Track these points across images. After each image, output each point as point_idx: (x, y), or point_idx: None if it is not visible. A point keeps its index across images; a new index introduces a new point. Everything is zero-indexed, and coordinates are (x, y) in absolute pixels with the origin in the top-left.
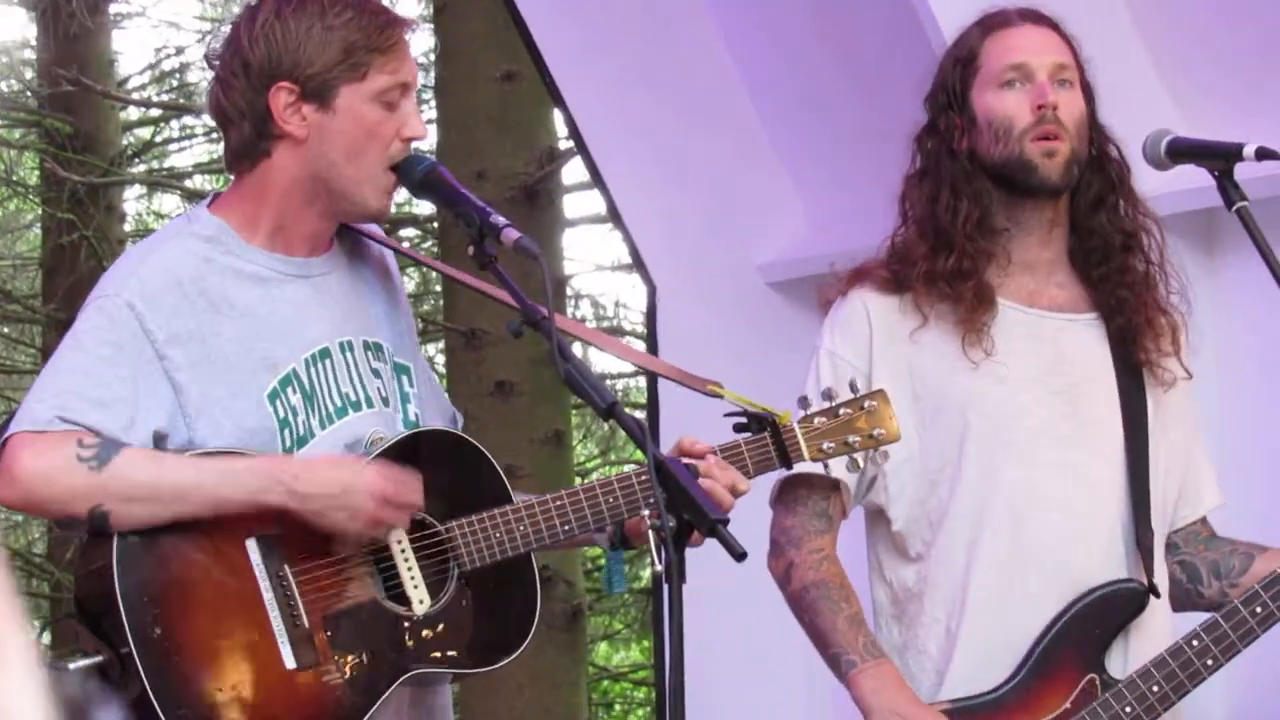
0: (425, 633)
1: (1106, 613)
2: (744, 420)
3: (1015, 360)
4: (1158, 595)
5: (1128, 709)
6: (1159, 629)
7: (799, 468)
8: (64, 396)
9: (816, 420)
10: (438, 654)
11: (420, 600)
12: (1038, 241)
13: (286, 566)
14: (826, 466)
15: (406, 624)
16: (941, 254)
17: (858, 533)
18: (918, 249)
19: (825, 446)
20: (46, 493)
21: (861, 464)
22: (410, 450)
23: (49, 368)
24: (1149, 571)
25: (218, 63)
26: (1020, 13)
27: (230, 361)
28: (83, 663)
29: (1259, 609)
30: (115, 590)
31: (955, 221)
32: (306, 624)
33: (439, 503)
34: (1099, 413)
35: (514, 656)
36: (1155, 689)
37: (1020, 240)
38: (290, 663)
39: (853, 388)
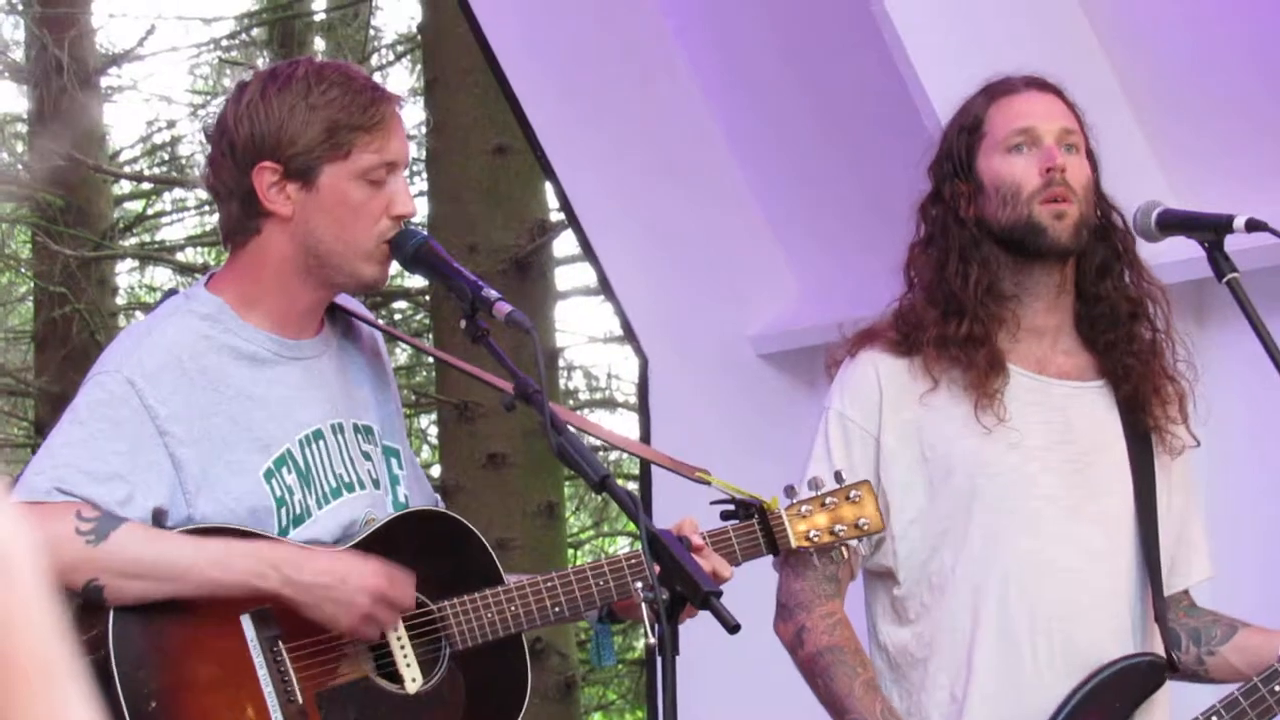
0: (418, 710)
1: (1124, 688)
2: (731, 508)
3: (1025, 427)
4: (1176, 670)
5: None
6: (1164, 702)
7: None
8: (62, 469)
9: (803, 508)
10: None
11: (413, 679)
12: (1045, 307)
13: (280, 642)
14: (812, 566)
15: (399, 702)
16: (953, 320)
17: (856, 596)
18: (927, 314)
19: (811, 534)
20: (44, 563)
21: (847, 555)
22: (402, 530)
23: (48, 442)
24: (1168, 643)
25: (210, 140)
26: (1025, 80)
27: (228, 440)
28: None
29: (1278, 688)
30: (111, 663)
31: (966, 287)
32: (300, 700)
33: (431, 582)
34: (1108, 483)
35: None
36: None
37: (1028, 306)
38: None
39: (838, 478)
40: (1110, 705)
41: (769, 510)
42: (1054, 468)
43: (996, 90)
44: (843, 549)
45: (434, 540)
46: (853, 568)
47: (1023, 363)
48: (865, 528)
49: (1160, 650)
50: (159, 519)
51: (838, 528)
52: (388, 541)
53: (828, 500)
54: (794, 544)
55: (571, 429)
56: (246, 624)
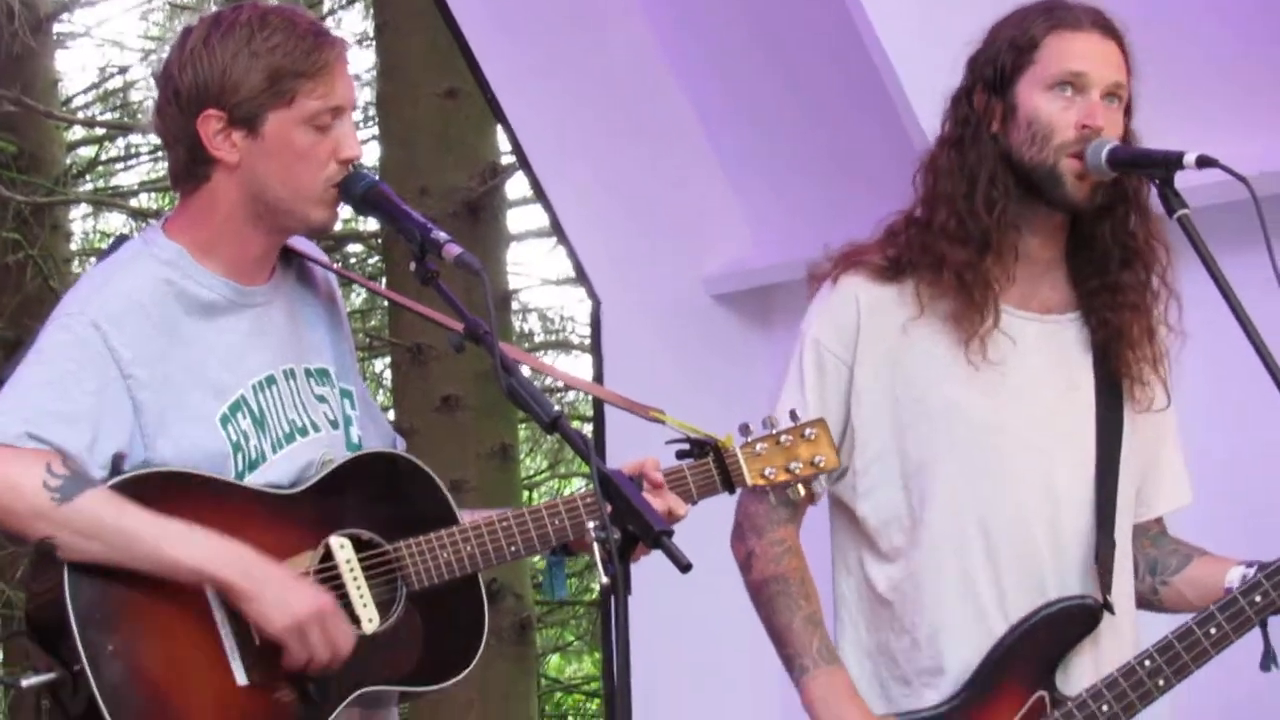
0: (375, 651)
1: (1058, 629)
2: (686, 447)
3: (1002, 367)
4: (1112, 611)
5: None
6: (1120, 646)
7: None
8: (30, 410)
9: (758, 446)
10: (387, 672)
11: (370, 619)
12: (1041, 242)
13: None
14: (769, 493)
15: (356, 642)
16: (970, 244)
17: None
18: (943, 229)
19: (767, 472)
20: (8, 504)
21: (803, 492)
22: (356, 471)
23: (12, 382)
24: (1105, 587)
25: (157, 86)
26: (1092, 17)
27: (184, 386)
28: (35, 680)
29: (1213, 630)
30: (68, 608)
31: (993, 213)
32: (257, 641)
33: (386, 523)
34: (1074, 425)
35: (463, 675)
36: (1105, 709)
37: (1026, 238)
38: (242, 679)
39: (793, 416)
40: (1040, 649)
41: (724, 448)
42: (1026, 410)
43: (1059, 19)
44: (798, 488)
45: (389, 481)
46: (813, 493)
47: (1008, 296)
48: (821, 465)
49: (1123, 594)
50: (118, 463)
51: (793, 465)
52: (343, 483)
53: (783, 438)
54: (750, 482)
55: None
56: None
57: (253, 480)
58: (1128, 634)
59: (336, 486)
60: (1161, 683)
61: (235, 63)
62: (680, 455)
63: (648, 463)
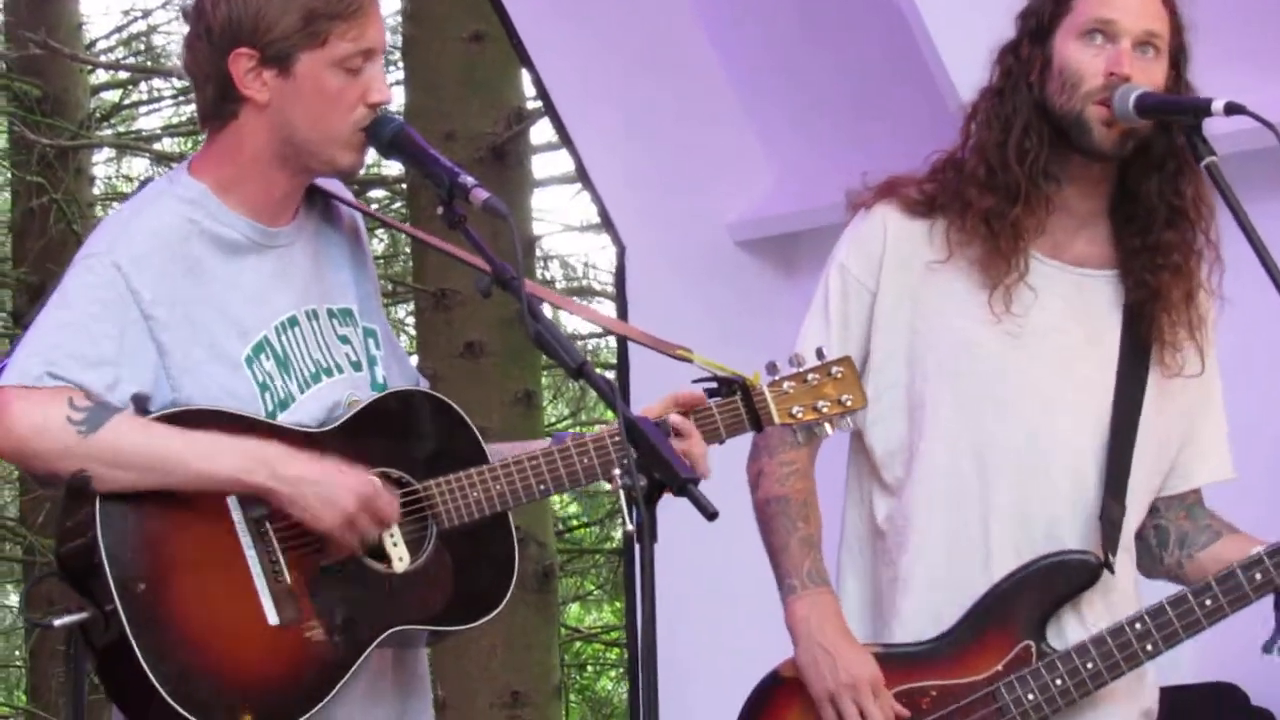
0: (406, 590)
1: (1052, 581)
2: (714, 385)
3: (1022, 312)
4: (1112, 571)
5: (1058, 681)
6: (1116, 605)
7: None
8: (52, 352)
9: (786, 385)
10: (418, 611)
11: (400, 558)
12: (1079, 192)
13: (268, 523)
14: (796, 433)
15: (387, 581)
16: (999, 193)
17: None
18: (973, 174)
19: (795, 411)
20: (35, 446)
21: (830, 430)
22: (385, 410)
23: (36, 324)
24: (1109, 545)
25: (189, 22)
26: None
27: (209, 326)
28: (67, 619)
29: (1208, 602)
30: (99, 547)
31: (1024, 163)
32: (288, 580)
33: (415, 461)
34: (1093, 377)
35: (494, 614)
36: (1089, 665)
37: (1064, 188)
38: (273, 619)
39: (819, 354)
40: (1033, 599)
41: (752, 387)
42: (1041, 356)
43: None
44: (825, 425)
45: (418, 420)
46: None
47: (1038, 245)
48: (848, 404)
49: (1126, 557)
50: (140, 404)
51: (820, 404)
52: (371, 422)
53: (810, 377)
54: (777, 420)
55: (549, 308)
56: (233, 505)
57: (283, 420)
58: (1124, 598)
59: (367, 425)
60: (1149, 647)
61: (270, 2)
62: (708, 394)
63: (680, 398)
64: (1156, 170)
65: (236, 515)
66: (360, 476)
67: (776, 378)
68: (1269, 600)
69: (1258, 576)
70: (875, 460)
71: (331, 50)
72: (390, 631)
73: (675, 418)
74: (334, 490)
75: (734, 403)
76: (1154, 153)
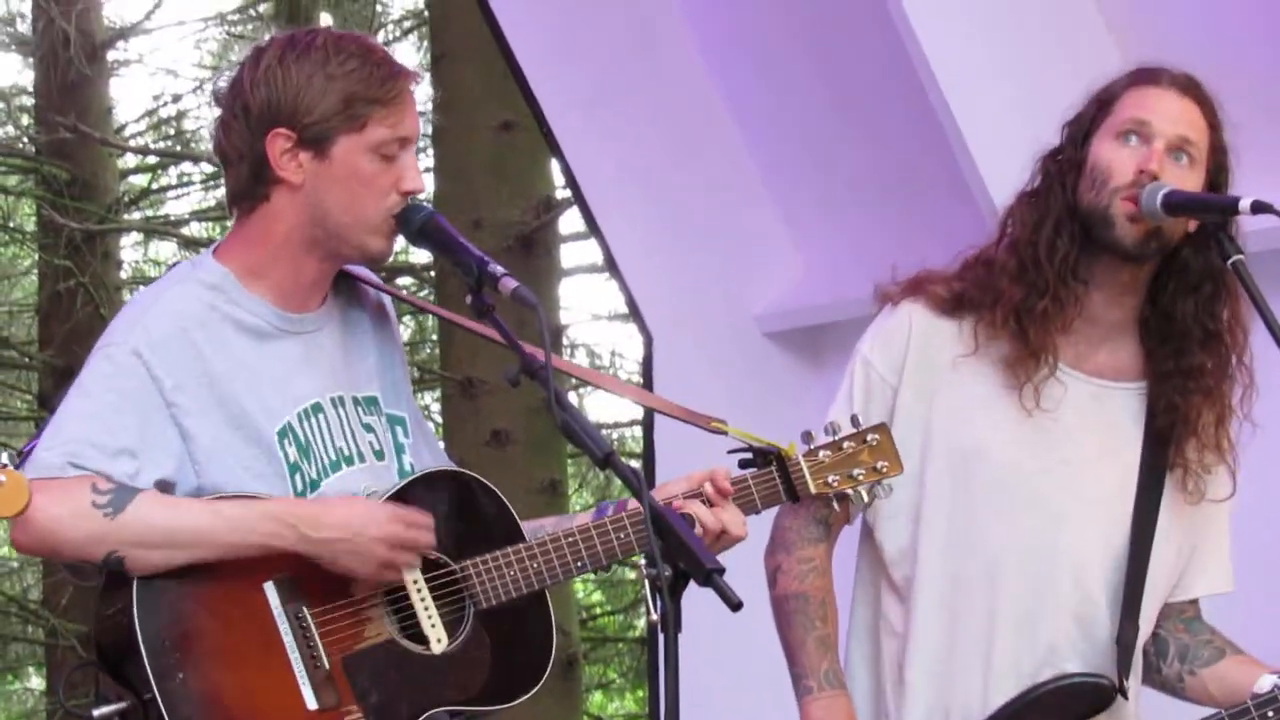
0: (444, 671)
1: (1066, 705)
2: (749, 456)
3: (1050, 408)
4: (1125, 696)
5: None
6: None
7: None
8: (73, 444)
9: (821, 454)
10: (457, 692)
11: (438, 639)
12: (1105, 300)
13: (305, 608)
14: (832, 500)
15: (425, 662)
16: (1027, 286)
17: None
18: (1004, 268)
19: (830, 480)
20: (63, 537)
21: (866, 498)
22: (421, 491)
23: (56, 417)
24: (1123, 670)
25: (222, 103)
26: (1172, 76)
27: (239, 406)
28: (106, 710)
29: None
30: (137, 635)
31: (1054, 260)
32: (327, 665)
33: (452, 541)
34: (1104, 492)
35: (533, 692)
36: None
37: (1090, 294)
38: (312, 704)
39: (855, 423)
40: (1046, 718)
41: (787, 457)
42: (1051, 467)
43: (1142, 76)
44: (861, 492)
45: (453, 499)
46: (848, 513)
47: (1062, 354)
48: (884, 470)
49: (1136, 681)
50: (165, 490)
51: (856, 472)
52: (408, 502)
53: (845, 445)
54: (813, 490)
55: (575, 396)
56: (270, 590)
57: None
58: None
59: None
60: None
61: (310, 84)
62: (742, 465)
63: (717, 473)
64: (1193, 292)
65: (274, 601)
66: (386, 517)
67: (812, 447)
68: None
69: (1270, 714)
70: (885, 558)
71: (369, 135)
72: (429, 714)
73: (711, 487)
74: (364, 544)
75: (770, 473)
76: (1191, 273)
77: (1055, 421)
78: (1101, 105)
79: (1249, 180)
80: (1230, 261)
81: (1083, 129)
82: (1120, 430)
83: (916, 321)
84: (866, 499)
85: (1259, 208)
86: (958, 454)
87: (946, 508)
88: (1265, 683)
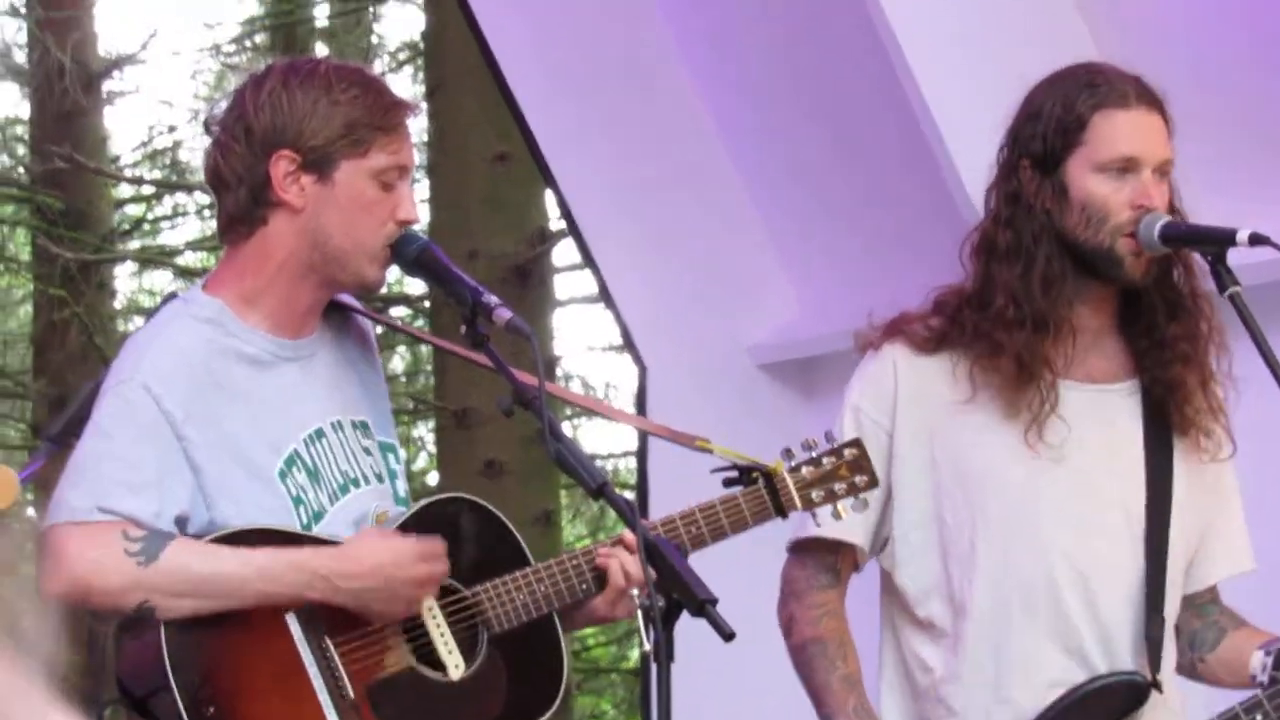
0: (463, 697)
1: (1103, 705)
2: (734, 475)
3: (1055, 443)
4: (1160, 690)
5: None
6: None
7: (823, 527)
8: (99, 484)
9: (803, 470)
10: (476, 717)
11: (456, 665)
12: (1089, 311)
13: (328, 639)
14: (816, 519)
15: (445, 689)
16: (1027, 327)
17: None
18: (1000, 316)
19: (814, 496)
20: (97, 584)
21: (843, 514)
22: (432, 518)
23: (76, 458)
24: (1154, 665)
25: (217, 128)
26: (1138, 92)
27: (241, 443)
28: None
29: (1259, 718)
30: (168, 671)
31: (1050, 294)
32: (351, 695)
33: (463, 568)
34: (1120, 493)
35: (550, 713)
36: None
37: (1077, 309)
38: None
39: (829, 438)
40: None
41: (775, 474)
42: (1066, 480)
43: (1105, 96)
44: (839, 507)
45: (461, 525)
46: (856, 559)
47: (1054, 367)
48: (861, 485)
49: (1169, 672)
50: (180, 527)
51: (836, 486)
52: (418, 529)
53: (824, 460)
54: (799, 505)
55: (568, 427)
56: (292, 623)
57: (317, 533)
58: (1176, 715)
59: (414, 532)
60: None
61: (315, 108)
62: (727, 483)
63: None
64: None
65: (297, 633)
66: (410, 559)
67: (793, 464)
68: None
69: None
70: (908, 599)
71: (372, 161)
72: None
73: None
74: (393, 590)
75: (758, 490)
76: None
77: (1059, 433)
78: (1069, 130)
79: (1231, 207)
80: (1227, 294)
81: (1050, 153)
82: (1121, 427)
83: (900, 361)
84: (843, 515)
85: (1256, 240)
86: (972, 482)
87: (970, 538)
88: (1255, 661)
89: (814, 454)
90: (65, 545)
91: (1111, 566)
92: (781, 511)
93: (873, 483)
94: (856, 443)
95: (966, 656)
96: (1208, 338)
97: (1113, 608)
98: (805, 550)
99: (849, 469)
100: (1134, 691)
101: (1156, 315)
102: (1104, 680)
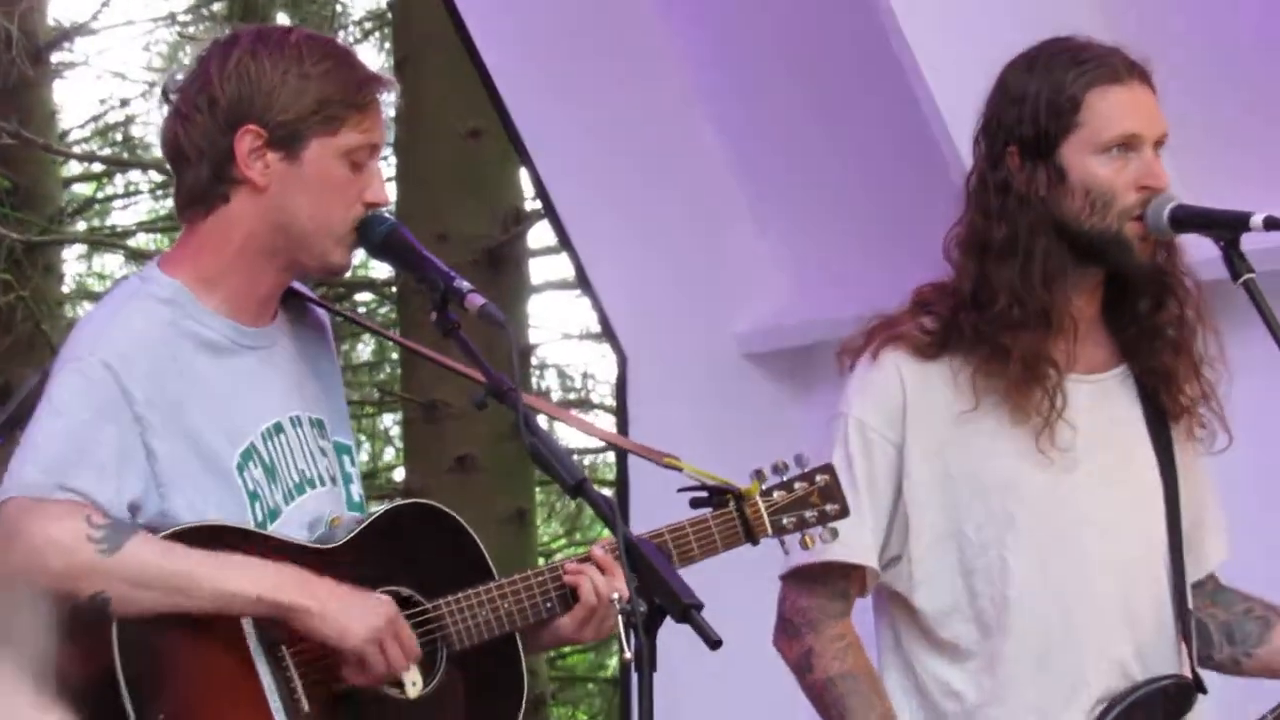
0: (421, 715)
1: (1153, 711)
2: (703, 495)
3: (1066, 447)
4: (1204, 690)
5: None
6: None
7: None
8: (57, 461)
9: (775, 494)
10: None
11: (413, 682)
12: (1083, 302)
13: (283, 646)
14: (783, 544)
15: (401, 707)
16: (1030, 326)
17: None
18: (1003, 317)
19: (785, 521)
20: (55, 565)
21: (810, 544)
22: (392, 525)
23: (31, 436)
24: (1193, 664)
25: (177, 96)
26: (1129, 66)
27: (198, 432)
28: None
29: None
30: (118, 675)
31: (1052, 288)
32: (306, 708)
33: (424, 578)
34: (1138, 489)
35: None
36: None
37: (1071, 300)
38: None
39: (800, 461)
40: None
41: (748, 498)
42: (1083, 483)
43: (1097, 75)
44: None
45: (425, 534)
46: (864, 583)
47: (1056, 364)
48: (832, 514)
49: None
50: (134, 514)
51: (807, 514)
52: (379, 537)
53: (796, 485)
54: (770, 531)
55: (545, 421)
56: (248, 628)
57: (271, 532)
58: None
59: (374, 540)
60: None
61: (285, 81)
62: (695, 504)
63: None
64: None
65: (252, 640)
66: (384, 601)
67: (766, 487)
68: None
69: None
70: (927, 621)
71: (343, 139)
72: None
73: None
74: (363, 606)
75: (729, 513)
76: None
77: (1073, 433)
78: (1063, 112)
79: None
80: (1241, 280)
81: (1044, 139)
82: (1123, 416)
83: (905, 370)
84: (810, 544)
85: (1271, 224)
86: (994, 494)
87: (999, 552)
88: None
89: (784, 478)
90: (21, 521)
91: (1143, 568)
92: (753, 537)
93: (843, 512)
94: (828, 468)
95: (1006, 677)
96: (1194, 320)
97: (1145, 611)
98: (812, 578)
99: (820, 496)
100: (1183, 693)
101: (1140, 299)
102: (1147, 688)
